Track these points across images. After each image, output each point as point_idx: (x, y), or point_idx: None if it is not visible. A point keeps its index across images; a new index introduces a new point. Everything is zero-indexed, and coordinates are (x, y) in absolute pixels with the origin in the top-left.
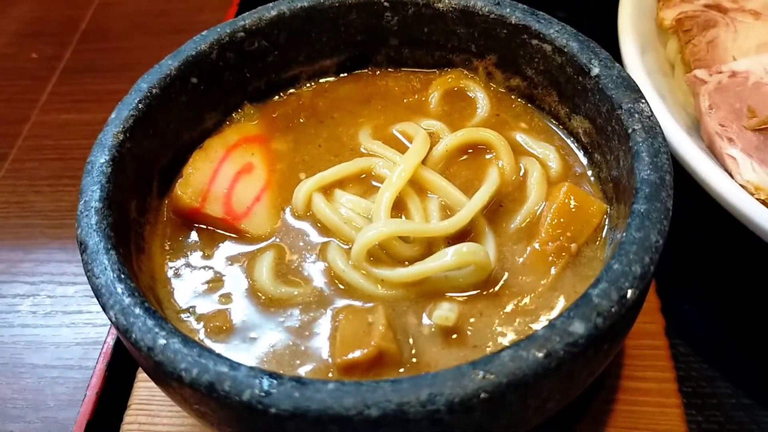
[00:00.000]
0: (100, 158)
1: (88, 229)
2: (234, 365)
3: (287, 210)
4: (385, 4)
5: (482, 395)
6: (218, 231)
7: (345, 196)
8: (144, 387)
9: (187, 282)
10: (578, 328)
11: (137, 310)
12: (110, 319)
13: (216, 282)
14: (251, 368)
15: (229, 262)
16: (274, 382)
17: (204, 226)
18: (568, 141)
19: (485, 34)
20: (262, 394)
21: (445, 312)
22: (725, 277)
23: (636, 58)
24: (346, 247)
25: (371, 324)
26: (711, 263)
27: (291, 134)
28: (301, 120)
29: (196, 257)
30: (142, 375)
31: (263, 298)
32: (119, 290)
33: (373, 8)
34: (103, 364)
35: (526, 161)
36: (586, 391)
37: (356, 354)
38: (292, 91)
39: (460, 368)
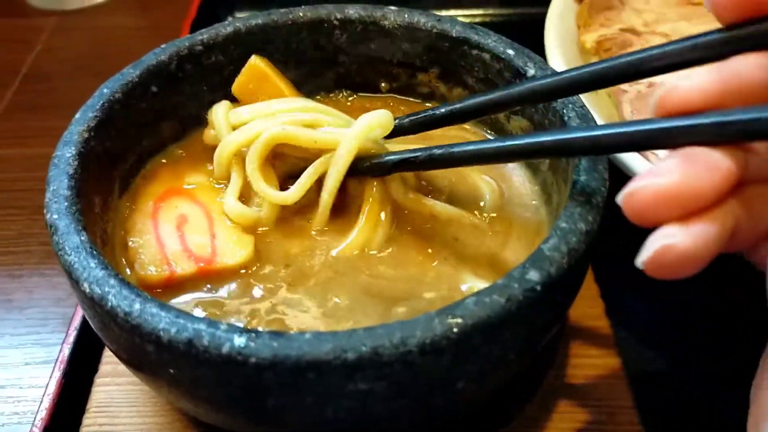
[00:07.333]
0: (66, 153)
1: (59, 214)
2: (212, 323)
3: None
4: (335, 22)
5: (451, 336)
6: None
7: None
8: (103, 390)
9: None
10: (534, 276)
11: (112, 281)
12: (83, 292)
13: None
14: (229, 325)
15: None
16: (252, 335)
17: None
18: None
19: (428, 49)
20: (241, 345)
21: None
22: None
23: None
24: None
25: None
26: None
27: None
28: None
29: None
30: (100, 380)
31: None
32: (92, 264)
33: (323, 27)
34: (60, 371)
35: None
36: (538, 370)
37: None
38: None
39: (429, 315)
